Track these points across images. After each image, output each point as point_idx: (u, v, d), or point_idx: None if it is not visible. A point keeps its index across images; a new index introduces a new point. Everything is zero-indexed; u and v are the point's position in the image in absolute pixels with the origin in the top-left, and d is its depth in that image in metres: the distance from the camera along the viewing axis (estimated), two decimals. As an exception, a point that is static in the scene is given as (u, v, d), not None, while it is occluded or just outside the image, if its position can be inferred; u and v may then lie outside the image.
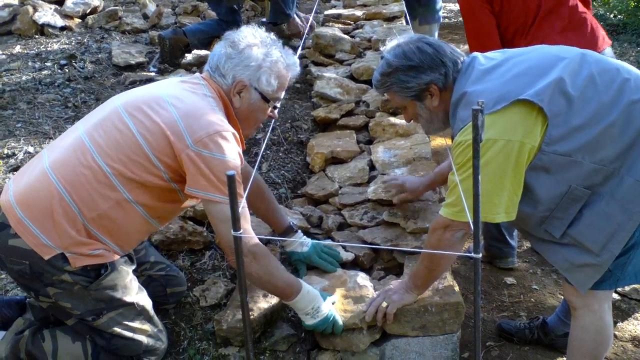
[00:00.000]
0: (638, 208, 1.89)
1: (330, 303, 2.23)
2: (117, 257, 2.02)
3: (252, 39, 2.11)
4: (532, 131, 1.89)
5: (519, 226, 2.19)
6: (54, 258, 1.89)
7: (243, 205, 1.97)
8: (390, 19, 5.34)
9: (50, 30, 5.59)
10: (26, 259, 1.90)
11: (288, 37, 5.20)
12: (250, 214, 2.48)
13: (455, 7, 16.65)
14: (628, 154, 1.89)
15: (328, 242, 2.66)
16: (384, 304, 2.21)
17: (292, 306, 2.18)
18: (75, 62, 4.88)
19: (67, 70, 4.74)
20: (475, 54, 2.16)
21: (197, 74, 2.16)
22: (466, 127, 1.93)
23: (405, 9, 5.11)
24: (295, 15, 5.22)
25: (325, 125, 3.79)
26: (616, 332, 2.92)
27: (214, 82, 2.10)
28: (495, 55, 2.13)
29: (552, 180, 1.95)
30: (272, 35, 2.19)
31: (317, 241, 2.58)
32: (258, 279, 2.05)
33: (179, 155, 1.90)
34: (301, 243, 2.52)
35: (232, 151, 1.94)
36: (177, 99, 2.01)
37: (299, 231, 2.58)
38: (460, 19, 14.69)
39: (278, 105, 2.25)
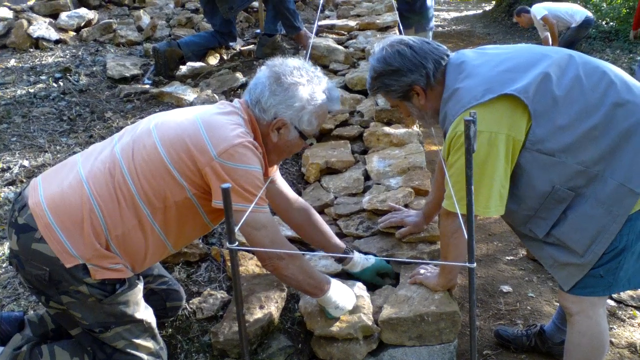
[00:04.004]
0: (622, 210, 1.91)
1: (353, 292, 2.34)
2: (132, 273, 2.02)
3: (299, 76, 2.07)
4: (517, 125, 1.93)
5: (506, 220, 2.23)
6: (75, 268, 1.89)
7: (267, 210, 2.02)
8: (384, 28, 5.38)
9: (44, 43, 5.61)
10: (47, 265, 1.89)
11: (303, 48, 5.24)
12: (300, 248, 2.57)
13: (449, 15, 16.79)
14: (611, 157, 1.91)
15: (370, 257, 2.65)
16: (422, 271, 2.45)
17: (321, 301, 2.22)
18: (70, 75, 4.89)
19: (61, 83, 4.76)
20: (464, 50, 2.21)
21: (236, 99, 2.16)
22: (455, 120, 1.99)
23: (398, 19, 5.16)
24: (304, 28, 5.23)
25: (320, 136, 3.80)
26: (613, 339, 2.93)
27: (249, 109, 2.09)
28: (485, 51, 2.18)
29: (536, 179, 1.99)
30: (319, 71, 2.17)
31: (379, 259, 2.59)
32: (295, 279, 2.11)
33: (202, 168, 1.91)
34: (362, 264, 2.54)
35: (255, 161, 1.95)
36: (206, 113, 2.05)
37: (354, 252, 2.57)
38: (454, 27, 14.80)
39: (314, 141, 2.26)
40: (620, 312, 3.17)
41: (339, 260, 2.54)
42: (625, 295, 3.28)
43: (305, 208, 2.48)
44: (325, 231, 2.51)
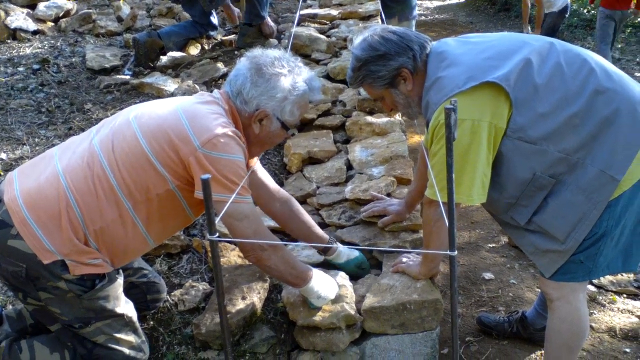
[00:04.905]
0: (602, 197, 1.93)
1: (335, 281, 2.33)
2: (111, 268, 2.00)
3: (280, 67, 2.05)
4: (499, 113, 1.94)
5: (487, 208, 2.23)
6: (52, 264, 1.86)
7: (249, 201, 2.00)
8: (366, 17, 5.35)
9: (22, 34, 5.52)
10: (24, 262, 1.86)
11: (265, 37, 5.20)
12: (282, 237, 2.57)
13: (431, 4, 16.78)
14: (592, 144, 1.93)
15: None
16: (404, 260, 2.45)
17: (304, 291, 2.21)
18: (49, 67, 4.82)
19: (40, 74, 4.69)
20: (446, 39, 2.21)
21: (216, 90, 2.14)
22: (438, 109, 1.98)
23: (380, 7, 5.14)
24: (268, 17, 5.23)
25: (302, 126, 3.78)
26: (593, 324, 2.96)
27: (230, 101, 2.07)
28: (467, 40, 2.18)
29: (517, 166, 2.00)
30: (299, 61, 2.15)
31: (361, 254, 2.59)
32: (277, 270, 2.10)
33: (186, 159, 1.89)
34: (347, 255, 2.54)
35: (239, 151, 1.94)
36: (186, 103, 2.03)
37: (339, 244, 2.56)
38: (437, 16, 14.78)
39: (296, 132, 2.24)
40: (600, 297, 3.21)
41: (323, 251, 2.53)
42: (605, 280, 3.32)
43: (287, 199, 2.47)
44: (308, 222, 2.50)
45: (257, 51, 2.11)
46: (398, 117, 3.71)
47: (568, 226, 1.99)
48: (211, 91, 2.17)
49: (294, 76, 2.08)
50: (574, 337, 2.23)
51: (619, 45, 9.96)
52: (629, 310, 3.09)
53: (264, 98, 2.04)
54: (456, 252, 1.44)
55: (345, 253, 2.53)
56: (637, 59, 9.13)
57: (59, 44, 5.39)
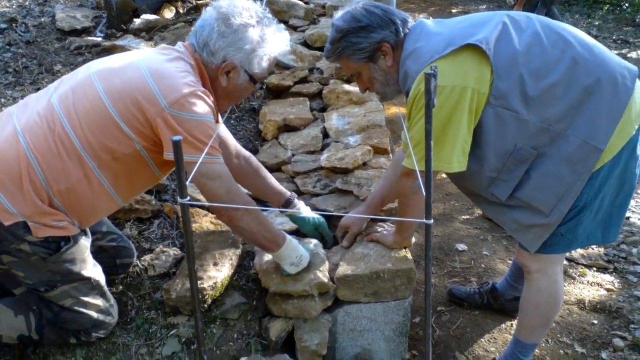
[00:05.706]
0: (586, 168, 1.92)
1: (309, 249, 2.31)
2: (78, 230, 1.95)
3: (248, 17, 1.97)
4: (482, 77, 1.90)
5: (466, 187, 2.21)
6: (14, 225, 1.81)
7: (221, 160, 1.94)
8: (346, -15, 5.27)
9: (-11, -8, 5.32)
10: None
11: None
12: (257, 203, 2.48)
13: (411, -24, 16.64)
14: (573, 114, 1.91)
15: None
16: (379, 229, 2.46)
17: (277, 257, 2.17)
18: (16, 26, 4.65)
19: (7, 34, 4.52)
20: (422, 19, 2.16)
21: (180, 42, 2.05)
22: (418, 77, 1.94)
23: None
24: None
25: (278, 93, 3.73)
26: (564, 296, 2.99)
27: (195, 53, 1.99)
28: (443, 20, 2.14)
29: (498, 136, 1.96)
30: (268, 12, 2.07)
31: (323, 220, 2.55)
32: (249, 231, 2.04)
33: (153, 120, 1.82)
34: (308, 210, 2.51)
35: (208, 110, 1.87)
36: (151, 61, 1.93)
37: (300, 200, 2.54)
38: (416, -12, 14.68)
39: (264, 86, 2.17)
40: (571, 270, 3.24)
41: (285, 206, 2.50)
42: (576, 254, 3.35)
43: (247, 157, 2.44)
44: (267, 177, 2.48)
45: (224, 1, 2.02)
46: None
47: (553, 198, 1.98)
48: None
49: (262, 27, 2.01)
50: (550, 309, 2.25)
51: (596, 23, 10.02)
52: (598, 283, 3.14)
53: (231, 49, 1.97)
54: (432, 221, 1.42)
55: (306, 210, 2.50)
56: (614, 37, 9.18)
57: (27, 3, 5.21)
